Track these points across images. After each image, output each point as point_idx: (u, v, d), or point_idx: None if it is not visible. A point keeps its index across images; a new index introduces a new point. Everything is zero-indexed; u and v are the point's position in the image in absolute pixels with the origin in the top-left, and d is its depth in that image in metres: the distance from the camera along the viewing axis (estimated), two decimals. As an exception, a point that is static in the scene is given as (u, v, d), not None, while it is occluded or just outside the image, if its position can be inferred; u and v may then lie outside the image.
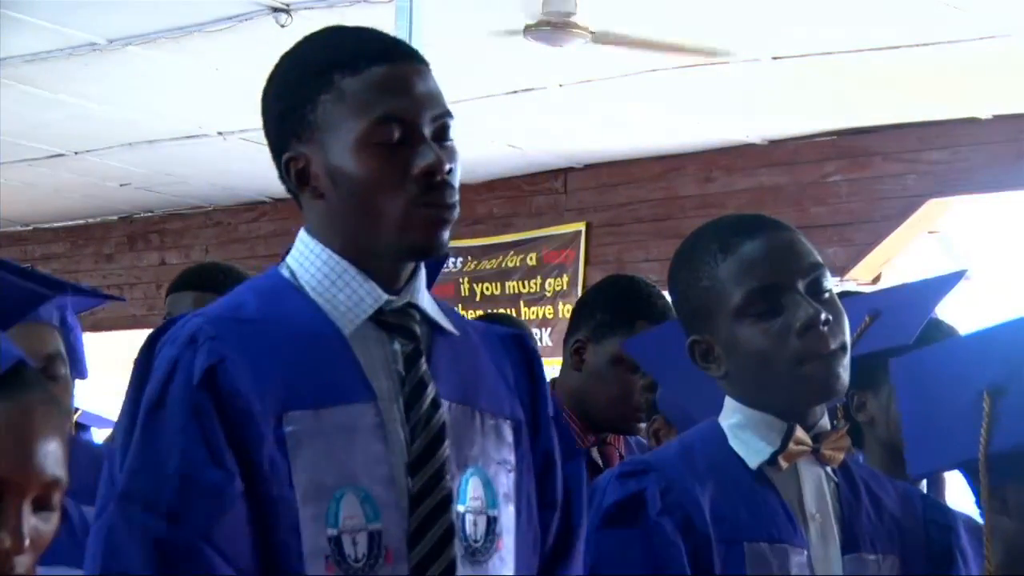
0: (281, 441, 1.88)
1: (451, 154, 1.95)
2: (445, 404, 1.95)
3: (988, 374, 2.26)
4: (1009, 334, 2.31)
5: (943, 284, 3.04)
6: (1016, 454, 2.23)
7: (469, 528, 1.94)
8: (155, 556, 1.84)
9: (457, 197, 1.95)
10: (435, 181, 1.92)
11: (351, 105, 1.92)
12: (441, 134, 1.95)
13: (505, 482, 1.99)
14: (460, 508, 1.93)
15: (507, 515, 1.98)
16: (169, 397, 1.89)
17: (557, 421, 2.11)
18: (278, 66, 2.02)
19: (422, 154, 1.92)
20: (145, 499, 1.87)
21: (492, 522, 1.96)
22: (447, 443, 1.93)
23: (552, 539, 2.06)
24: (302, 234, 2.02)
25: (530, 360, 2.10)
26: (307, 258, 1.99)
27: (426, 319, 2.00)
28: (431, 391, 1.94)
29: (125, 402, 1.93)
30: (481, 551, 1.94)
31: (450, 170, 1.93)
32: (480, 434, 1.98)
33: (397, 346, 1.96)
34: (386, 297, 1.97)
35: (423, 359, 1.96)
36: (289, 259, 2.02)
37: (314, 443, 1.89)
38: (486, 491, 1.96)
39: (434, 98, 1.96)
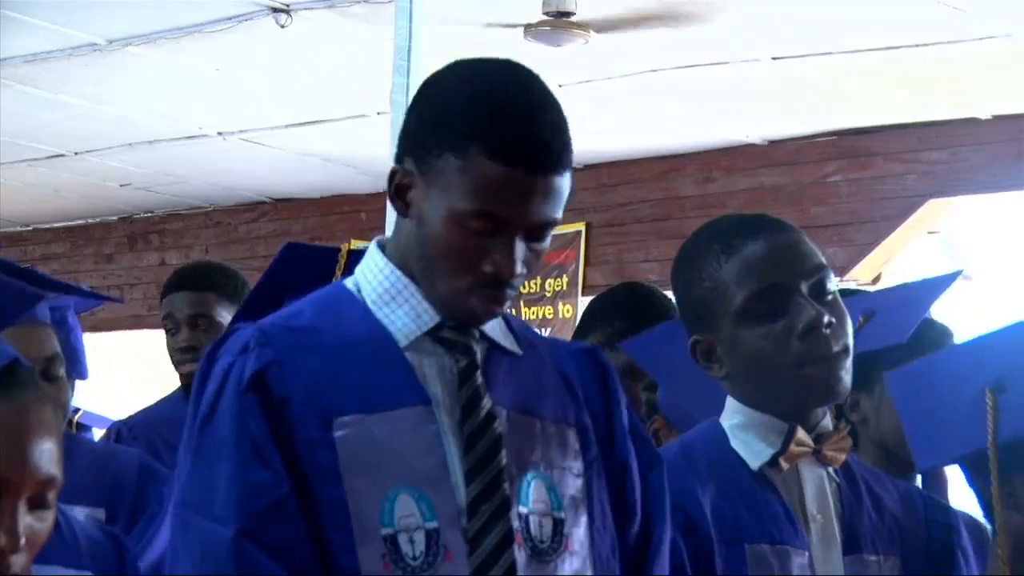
0: (331, 444, 1.91)
1: (536, 255, 1.96)
2: (502, 412, 1.97)
3: (988, 375, 2.27)
4: (1008, 337, 2.31)
5: (938, 284, 3.04)
6: (1019, 446, 2.23)
7: (535, 529, 1.96)
8: (208, 559, 1.88)
9: (515, 291, 1.97)
10: (498, 281, 1.94)
11: (467, 180, 1.91)
12: (537, 234, 1.95)
13: (573, 486, 2.01)
14: (523, 510, 1.95)
15: (576, 518, 2.00)
16: (221, 403, 1.94)
17: (636, 433, 2.11)
18: (443, 76, 1.99)
19: (498, 257, 1.92)
20: (198, 504, 1.91)
21: (559, 523, 1.98)
22: (503, 452, 1.95)
23: (631, 546, 2.06)
24: (372, 247, 2.05)
25: (603, 373, 2.11)
26: (372, 272, 2.02)
27: (486, 338, 2.02)
28: (487, 403, 1.97)
29: (188, 415, 1.98)
30: (548, 551, 1.96)
31: (519, 274, 1.94)
32: (542, 440, 2.00)
33: (453, 360, 1.98)
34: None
35: (478, 372, 1.98)
36: (356, 271, 2.05)
37: (366, 446, 1.91)
38: (550, 494, 1.98)
39: (546, 210, 1.93)
